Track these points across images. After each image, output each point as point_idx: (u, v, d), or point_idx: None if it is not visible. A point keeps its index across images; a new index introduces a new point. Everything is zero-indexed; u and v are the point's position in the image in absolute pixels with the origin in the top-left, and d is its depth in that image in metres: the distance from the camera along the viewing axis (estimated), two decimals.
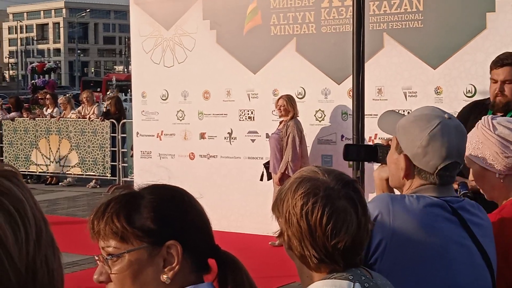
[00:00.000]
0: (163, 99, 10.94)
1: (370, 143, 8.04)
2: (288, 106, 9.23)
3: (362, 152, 2.99)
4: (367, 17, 7.12)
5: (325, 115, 9.55)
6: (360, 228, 1.99)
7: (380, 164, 2.83)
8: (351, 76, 6.39)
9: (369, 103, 7.61)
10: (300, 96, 9.70)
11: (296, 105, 9.33)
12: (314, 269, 2.01)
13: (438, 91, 8.62)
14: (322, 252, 1.96)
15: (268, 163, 9.56)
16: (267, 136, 9.96)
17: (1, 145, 15.80)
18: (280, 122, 9.50)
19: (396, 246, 2.36)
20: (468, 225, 2.48)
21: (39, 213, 1.10)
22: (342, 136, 9.34)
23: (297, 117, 9.30)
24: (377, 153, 2.82)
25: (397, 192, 2.65)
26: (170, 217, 1.76)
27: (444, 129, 2.45)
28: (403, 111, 8.39)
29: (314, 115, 9.63)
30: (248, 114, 10.14)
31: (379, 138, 8.46)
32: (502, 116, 3.80)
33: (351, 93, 7.40)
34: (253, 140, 10.12)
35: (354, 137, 6.14)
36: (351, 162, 7.33)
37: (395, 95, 8.88)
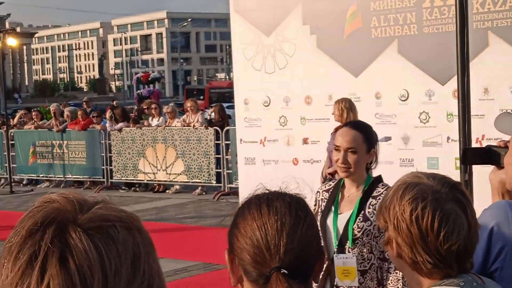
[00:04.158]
0: (265, 106, 11.01)
1: (478, 145, 7.86)
2: (346, 109, 8.70)
3: (482, 155, 2.84)
4: (470, 16, 6.97)
5: (429, 117, 9.39)
6: (470, 230, 1.96)
7: (494, 166, 2.75)
8: (456, 76, 6.27)
9: (475, 103, 7.44)
10: (403, 98, 9.58)
11: (356, 110, 8.76)
12: (427, 275, 1.97)
13: None
14: (435, 257, 1.93)
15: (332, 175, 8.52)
16: None
17: (110, 154, 16.25)
18: (336, 129, 8.41)
19: None
20: None
21: (155, 266, 1.10)
22: (448, 138, 9.16)
23: None
24: (499, 156, 2.71)
25: None
26: None
27: None
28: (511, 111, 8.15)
29: (418, 117, 9.48)
30: None
31: (487, 139, 8.25)
32: None
33: (456, 94, 7.26)
34: None
35: (461, 139, 6.01)
36: (458, 164, 7.18)
37: (502, 94, 8.65)
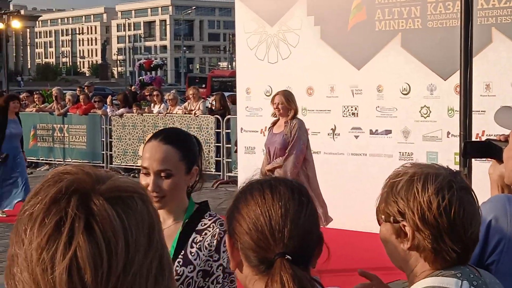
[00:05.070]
0: (266, 95, 11.01)
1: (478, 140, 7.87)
2: (287, 103, 7.91)
3: (482, 149, 2.84)
4: (475, 11, 6.98)
5: (430, 112, 9.40)
6: (480, 218, 1.99)
7: (493, 160, 2.75)
8: (458, 71, 6.28)
9: (476, 99, 7.45)
10: (404, 92, 9.59)
11: (296, 102, 8.04)
12: (449, 262, 1.97)
13: None
14: (459, 245, 1.94)
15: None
16: (371, 132, 9.88)
17: (111, 140, 16.26)
18: (274, 123, 8.32)
19: None
20: None
21: (163, 238, 1.12)
22: (448, 133, 9.17)
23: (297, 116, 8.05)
24: (499, 150, 2.68)
25: None
26: None
27: None
28: None
29: (419, 111, 9.49)
30: (351, 110, 10.09)
31: (487, 135, 8.27)
32: None
33: (457, 89, 7.27)
34: (356, 137, 10.06)
35: (462, 134, 6.02)
36: (457, 159, 7.19)
37: (504, 91, 8.66)
